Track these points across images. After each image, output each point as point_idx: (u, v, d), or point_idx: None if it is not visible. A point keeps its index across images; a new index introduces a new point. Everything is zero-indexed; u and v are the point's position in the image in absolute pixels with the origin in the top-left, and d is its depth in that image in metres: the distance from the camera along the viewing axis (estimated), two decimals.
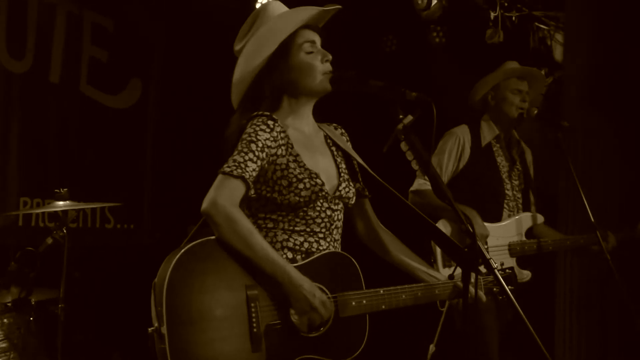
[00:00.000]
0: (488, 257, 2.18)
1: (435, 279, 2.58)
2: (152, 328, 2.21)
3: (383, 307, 2.42)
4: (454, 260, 2.34)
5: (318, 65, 2.48)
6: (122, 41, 5.68)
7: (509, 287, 2.54)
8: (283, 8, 2.55)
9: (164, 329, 2.16)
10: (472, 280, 2.38)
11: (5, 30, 4.89)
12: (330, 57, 2.50)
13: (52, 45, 5.21)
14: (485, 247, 3.67)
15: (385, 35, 5.85)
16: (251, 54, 2.45)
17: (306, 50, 2.48)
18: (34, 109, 5.09)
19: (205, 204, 2.28)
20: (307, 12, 2.48)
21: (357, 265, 2.47)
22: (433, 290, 2.52)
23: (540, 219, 3.97)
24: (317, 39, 2.52)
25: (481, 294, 2.49)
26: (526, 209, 3.97)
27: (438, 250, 3.69)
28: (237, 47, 2.54)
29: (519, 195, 3.98)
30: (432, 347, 3.61)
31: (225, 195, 2.28)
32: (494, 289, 2.58)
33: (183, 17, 5.80)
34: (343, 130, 2.71)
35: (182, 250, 2.23)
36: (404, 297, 2.45)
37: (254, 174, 2.35)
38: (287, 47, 2.47)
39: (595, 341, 4.86)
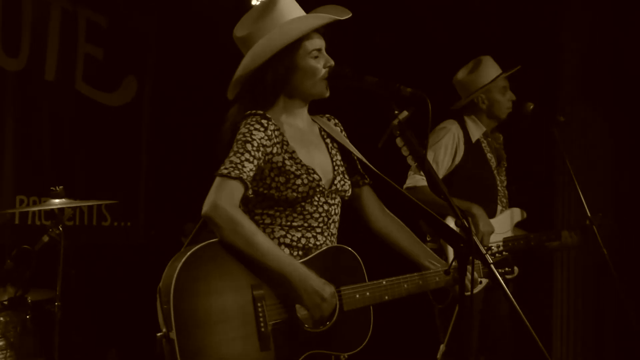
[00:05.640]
0: (484, 252, 2.18)
1: (438, 266, 2.59)
2: (160, 333, 2.22)
3: (386, 297, 2.45)
4: (453, 246, 2.33)
5: (321, 70, 2.48)
6: (117, 38, 5.67)
7: (508, 269, 2.57)
8: (294, 4, 2.53)
9: (172, 334, 2.17)
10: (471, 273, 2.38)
11: (0, 28, 4.87)
12: (332, 63, 2.50)
13: (47, 43, 5.18)
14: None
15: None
16: (259, 53, 2.44)
17: (313, 56, 2.48)
18: (29, 107, 5.07)
19: (205, 207, 2.28)
20: (321, 20, 2.48)
21: (359, 258, 2.49)
22: (434, 277, 2.54)
23: (524, 214, 3.98)
24: (324, 45, 2.53)
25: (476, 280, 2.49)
26: (511, 204, 3.99)
27: (449, 249, 3.68)
28: (239, 34, 2.51)
29: (505, 192, 4.00)
30: (442, 347, 3.60)
31: (224, 197, 2.27)
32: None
33: (177, 13, 5.79)
34: (337, 121, 2.72)
35: (187, 255, 2.23)
36: (406, 286, 2.48)
37: (252, 173, 2.35)
38: (295, 49, 2.46)
39: (592, 336, 4.88)
